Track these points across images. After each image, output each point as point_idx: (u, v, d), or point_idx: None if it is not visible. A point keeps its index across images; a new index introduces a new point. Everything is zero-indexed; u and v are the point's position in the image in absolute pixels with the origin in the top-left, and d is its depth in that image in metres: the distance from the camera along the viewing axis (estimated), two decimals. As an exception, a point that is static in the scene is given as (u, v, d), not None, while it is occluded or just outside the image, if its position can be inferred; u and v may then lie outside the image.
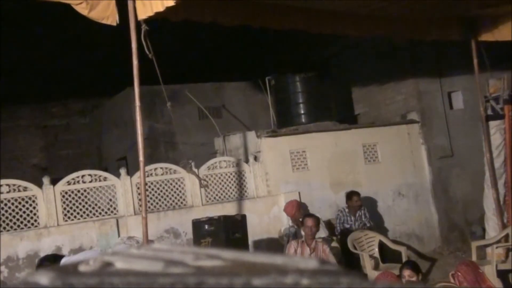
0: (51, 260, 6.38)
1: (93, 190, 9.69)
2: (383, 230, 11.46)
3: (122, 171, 10.00)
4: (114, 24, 7.22)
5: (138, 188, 9.42)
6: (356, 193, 10.81)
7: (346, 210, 10.76)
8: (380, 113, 13.36)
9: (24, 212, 9.15)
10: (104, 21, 7.21)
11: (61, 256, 6.97)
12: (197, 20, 8.06)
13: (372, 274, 9.27)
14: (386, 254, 10.29)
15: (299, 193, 11.00)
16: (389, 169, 12.06)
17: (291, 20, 8.78)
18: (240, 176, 10.91)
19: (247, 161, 11.11)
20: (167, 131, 13.47)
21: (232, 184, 10.81)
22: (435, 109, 12.65)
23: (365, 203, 11.49)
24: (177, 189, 10.28)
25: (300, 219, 9.41)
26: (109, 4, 7.18)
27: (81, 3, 7.04)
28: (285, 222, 10.29)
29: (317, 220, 8.60)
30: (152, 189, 10.02)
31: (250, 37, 13.12)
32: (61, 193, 9.42)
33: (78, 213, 9.50)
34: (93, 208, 9.63)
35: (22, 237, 9.01)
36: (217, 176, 10.69)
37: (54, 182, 9.44)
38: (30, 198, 9.21)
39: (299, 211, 10.03)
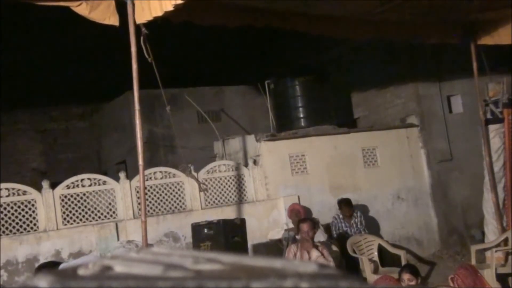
0: (49, 267, 6.35)
1: (93, 194, 9.69)
2: (382, 234, 11.46)
3: (122, 175, 9.99)
4: (116, 24, 7.21)
5: (138, 192, 9.42)
6: (345, 202, 10.75)
7: (340, 216, 10.75)
8: (380, 117, 13.36)
9: (24, 216, 9.14)
10: (105, 22, 7.20)
11: (59, 263, 6.95)
12: (198, 22, 8.07)
13: (371, 278, 9.27)
14: (386, 258, 10.29)
15: (298, 197, 11.00)
16: (388, 173, 12.06)
17: (292, 22, 8.80)
18: (239, 180, 10.91)
19: (246, 165, 11.11)
20: (167, 135, 13.47)
21: (232, 188, 10.81)
22: (435, 113, 12.65)
23: (364, 207, 11.50)
24: (176, 193, 10.28)
25: (296, 220, 9.44)
26: (109, 5, 7.18)
27: (80, 4, 7.04)
28: (282, 226, 10.29)
29: (312, 223, 8.57)
30: (152, 193, 10.01)
31: (249, 41, 13.15)
32: (60, 197, 9.41)
33: (77, 217, 9.50)
34: (93, 212, 9.63)
35: (21, 241, 9.00)
36: (216, 180, 10.69)
37: (53, 186, 9.44)
38: (29, 202, 9.21)
39: (296, 215, 10.05)
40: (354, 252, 9.95)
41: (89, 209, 9.61)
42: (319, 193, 11.34)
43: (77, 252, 9.20)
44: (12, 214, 9.08)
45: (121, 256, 0.95)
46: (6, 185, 9.21)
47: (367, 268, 9.53)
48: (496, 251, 9.44)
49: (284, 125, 12.45)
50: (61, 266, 6.13)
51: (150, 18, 7.11)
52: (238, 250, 8.01)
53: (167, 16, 7.13)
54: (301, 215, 10.06)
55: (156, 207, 10.09)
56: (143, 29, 7.22)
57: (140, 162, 7.30)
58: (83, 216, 9.54)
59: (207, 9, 7.95)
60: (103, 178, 10.05)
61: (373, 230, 11.26)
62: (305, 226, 8.30)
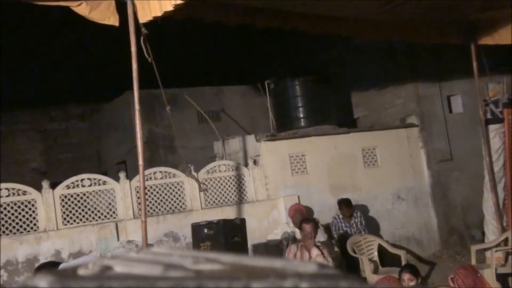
0: (49, 267, 6.34)
1: (92, 194, 9.69)
2: (382, 234, 11.46)
3: (122, 175, 9.99)
4: (116, 24, 7.20)
5: (138, 192, 9.42)
6: (345, 202, 10.76)
7: (340, 216, 10.75)
8: (380, 117, 13.36)
9: (24, 216, 9.14)
10: (106, 22, 7.19)
11: (59, 263, 6.95)
12: (200, 18, 8.07)
13: (371, 278, 9.27)
14: (385, 258, 10.29)
15: (298, 197, 11.00)
16: (388, 173, 12.06)
17: (292, 21, 8.80)
18: (239, 180, 10.91)
19: (246, 165, 11.11)
20: (167, 135, 13.47)
21: (232, 188, 10.81)
22: (434, 113, 12.65)
23: (364, 207, 11.50)
24: (176, 193, 10.28)
25: (299, 220, 9.44)
26: (109, 5, 7.18)
27: (80, 4, 7.03)
28: (283, 227, 10.29)
29: (315, 224, 8.59)
30: (152, 193, 10.01)
31: (249, 41, 13.14)
32: (60, 197, 9.41)
33: (77, 217, 9.50)
34: (93, 212, 9.62)
35: (21, 241, 9.00)
36: (216, 180, 10.68)
37: (53, 186, 9.44)
38: (29, 202, 9.21)
39: (299, 215, 10.05)
40: (354, 252, 9.95)
41: (89, 209, 9.61)
42: (319, 193, 11.34)
43: (77, 252, 9.20)
44: (12, 214, 9.08)
45: (121, 256, 0.95)
46: (6, 185, 9.20)
47: (367, 268, 9.53)
48: (496, 251, 9.44)
49: (284, 125, 12.45)
50: (61, 266, 6.13)
51: (150, 18, 7.11)
52: (238, 250, 8.01)
53: (168, 13, 7.12)
54: (304, 215, 10.07)
55: (156, 207, 10.09)
56: (143, 29, 7.22)
57: (140, 162, 7.30)
58: (83, 216, 9.54)
59: (208, 8, 7.95)
60: (103, 178, 10.05)
61: (373, 230, 11.26)
62: (308, 227, 8.30)
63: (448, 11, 9.29)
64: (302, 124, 12.44)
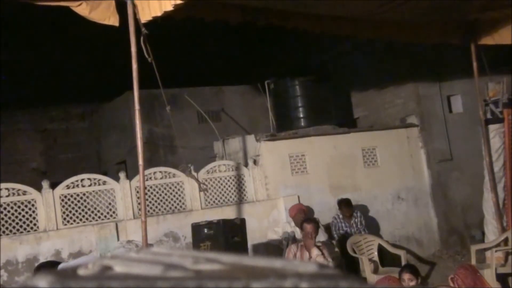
0: (48, 267, 6.34)
1: (92, 194, 9.69)
2: (382, 234, 11.46)
3: (122, 175, 9.99)
4: (116, 24, 7.21)
5: (138, 192, 9.42)
6: (345, 202, 10.76)
7: (340, 216, 10.76)
8: (379, 116, 13.36)
9: (24, 216, 9.14)
10: (105, 22, 7.20)
11: (58, 263, 6.95)
12: (200, 17, 8.07)
13: (371, 278, 9.27)
14: (385, 258, 10.29)
15: (298, 196, 11.00)
16: (388, 173, 12.06)
17: (292, 21, 8.80)
18: (239, 180, 10.91)
19: (246, 165, 11.11)
20: (167, 135, 13.46)
21: (232, 188, 10.81)
22: (434, 113, 12.65)
23: (364, 207, 11.50)
24: (176, 193, 10.28)
25: (301, 220, 9.44)
26: (109, 5, 7.18)
27: (80, 4, 7.03)
28: (284, 226, 10.28)
29: (316, 225, 8.59)
30: (151, 193, 10.01)
31: (250, 40, 13.15)
32: (60, 197, 9.41)
33: (77, 217, 9.50)
34: (92, 212, 9.62)
35: (21, 241, 9.00)
36: (216, 180, 10.68)
37: (53, 186, 9.44)
38: (29, 202, 9.21)
39: (301, 215, 10.05)
40: (354, 252, 9.96)
41: (89, 209, 9.61)
42: (319, 193, 11.34)
43: (77, 252, 9.20)
44: (12, 214, 9.08)
45: (121, 256, 0.95)
46: (6, 185, 9.20)
47: (367, 268, 9.54)
48: (496, 251, 9.44)
49: (284, 125, 12.45)
50: (60, 266, 6.13)
51: (150, 18, 7.12)
52: (238, 250, 8.01)
53: (168, 13, 7.12)
54: (306, 215, 10.08)
55: (156, 207, 10.09)
56: (143, 29, 7.23)
57: (140, 162, 7.30)
58: (83, 216, 9.54)
59: (208, 8, 7.96)
60: (103, 178, 10.05)
61: (373, 230, 11.26)
62: (309, 227, 8.30)
63: (448, 11, 9.29)
64: (302, 124, 12.44)
